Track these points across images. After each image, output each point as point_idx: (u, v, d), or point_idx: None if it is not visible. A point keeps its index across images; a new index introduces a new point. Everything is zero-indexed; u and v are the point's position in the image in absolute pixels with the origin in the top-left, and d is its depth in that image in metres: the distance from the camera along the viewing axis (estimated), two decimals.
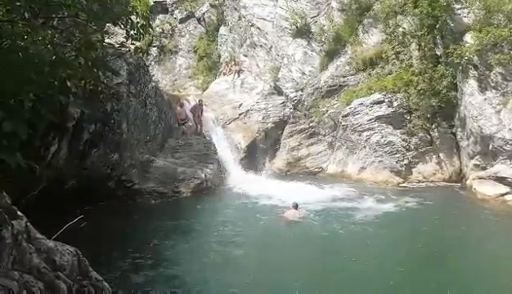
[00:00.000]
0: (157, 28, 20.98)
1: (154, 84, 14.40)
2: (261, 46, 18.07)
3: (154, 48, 21.88)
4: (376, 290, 6.54)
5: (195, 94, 17.91)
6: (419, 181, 13.55)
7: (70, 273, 2.48)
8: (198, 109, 15.42)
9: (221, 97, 17.40)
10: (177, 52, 21.68)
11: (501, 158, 11.86)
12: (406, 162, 13.80)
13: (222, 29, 20.19)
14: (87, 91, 9.67)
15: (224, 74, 18.96)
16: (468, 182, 12.78)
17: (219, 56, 19.93)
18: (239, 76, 18.06)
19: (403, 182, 13.58)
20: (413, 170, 13.78)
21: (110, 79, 11.05)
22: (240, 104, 16.84)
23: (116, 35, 10.83)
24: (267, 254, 8.26)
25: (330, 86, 15.64)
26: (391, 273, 7.18)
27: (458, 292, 6.51)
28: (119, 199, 10.94)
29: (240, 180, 14.04)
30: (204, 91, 18.61)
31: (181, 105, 15.66)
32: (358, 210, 10.69)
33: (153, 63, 21.31)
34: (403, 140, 13.90)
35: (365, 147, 14.34)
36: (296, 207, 10.11)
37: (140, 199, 11.67)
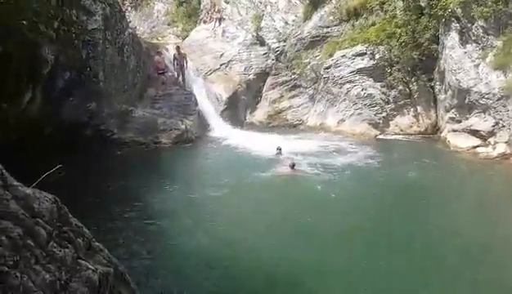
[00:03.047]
0: None
1: (131, 31, 13.77)
2: None
3: None
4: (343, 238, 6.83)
5: (175, 42, 17.24)
6: (396, 133, 13.91)
7: (50, 219, 2.51)
8: (181, 58, 14.92)
9: (201, 46, 16.85)
10: None
11: (476, 111, 12.20)
12: (384, 114, 14.05)
13: None
14: (61, 35, 9.24)
15: (205, 22, 18.19)
16: (442, 135, 13.20)
17: (199, 2, 18.99)
18: (220, 24, 17.37)
19: (380, 134, 13.92)
20: (390, 122, 14.08)
21: (84, 24, 10.54)
22: (222, 54, 16.39)
23: None
24: (250, 204, 8.35)
25: (314, 37, 15.33)
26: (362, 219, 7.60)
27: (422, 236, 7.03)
28: (98, 149, 10.86)
29: (222, 132, 14.09)
30: (183, 39, 17.92)
31: (160, 54, 15.13)
32: (344, 162, 10.87)
33: (129, 8, 20.18)
34: (383, 92, 14.03)
35: (345, 100, 14.44)
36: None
37: (120, 149, 11.62)
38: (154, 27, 20.04)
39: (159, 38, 18.37)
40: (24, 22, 6.39)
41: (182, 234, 6.86)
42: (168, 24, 19.88)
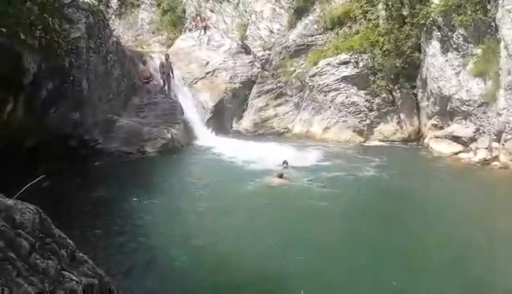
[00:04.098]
0: None
1: (115, 39, 13.65)
2: (228, 1, 17.38)
3: (115, 0, 20.48)
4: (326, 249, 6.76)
5: (160, 50, 17.19)
6: (380, 140, 14.12)
7: (32, 231, 2.45)
8: (167, 67, 14.85)
9: (187, 54, 16.83)
10: (139, 5, 20.49)
11: (457, 118, 12.50)
12: (368, 122, 14.26)
13: None
14: (43, 44, 9.10)
15: (190, 30, 18.24)
16: (425, 141, 13.43)
17: (184, 11, 19.04)
18: (205, 32, 17.43)
19: (364, 141, 14.11)
20: (374, 130, 14.28)
21: (67, 32, 10.39)
22: (207, 63, 16.40)
23: None
24: (237, 214, 8.22)
25: (298, 46, 15.51)
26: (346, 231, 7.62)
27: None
28: (82, 159, 10.65)
29: (208, 141, 14.01)
30: (168, 47, 17.89)
31: (144, 63, 15.03)
32: (332, 170, 10.84)
33: (113, 17, 20.06)
34: (367, 100, 14.25)
35: (330, 107, 14.62)
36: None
37: (104, 159, 11.40)
38: (138, 35, 19.96)
39: (144, 47, 18.30)
40: (4, 30, 6.23)
41: (165, 247, 6.72)
42: (153, 33, 19.85)
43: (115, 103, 13.07)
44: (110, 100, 12.79)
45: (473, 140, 11.91)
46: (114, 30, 14.24)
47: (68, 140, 10.76)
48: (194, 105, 15.32)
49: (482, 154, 11.40)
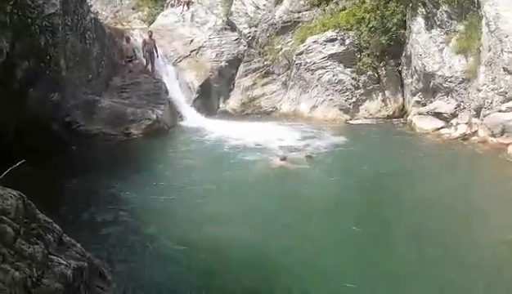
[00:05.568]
0: None
1: (93, 16, 13.12)
2: None
3: None
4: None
5: (141, 27, 16.62)
6: (365, 118, 14.22)
7: (16, 216, 2.39)
8: (150, 45, 14.39)
9: (169, 31, 16.34)
10: None
11: (440, 94, 12.70)
12: (354, 100, 14.31)
13: None
14: (15, 20, 8.67)
15: (172, 6, 17.66)
16: (409, 118, 13.62)
17: None
18: (188, 8, 16.92)
19: (350, 119, 14.20)
20: (360, 107, 14.36)
21: (41, 8, 9.93)
22: (192, 40, 15.99)
23: None
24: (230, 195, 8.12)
25: (285, 22, 15.26)
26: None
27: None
28: (64, 142, 10.38)
29: (195, 122, 13.80)
30: (150, 24, 17.32)
31: (128, 40, 14.52)
32: (326, 150, 10.90)
33: None
34: (353, 78, 14.26)
35: (317, 86, 14.57)
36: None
37: (88, 141, 11.13)
38: (117, 11, 19.24)
39: (124, 24, 17.65)
40: None
41: (153, 232, 6.53)
42: (133, 9, 19.17)
43: (96, 83, 12.69)
44: (90, 81, 12.41)
45: (454, 115, 12.18)
46: (91, 6, 13.63)
47: (49, 122, 10.47)
48: (179, 85, 15.01)
49: (463, 129, 11.69)
